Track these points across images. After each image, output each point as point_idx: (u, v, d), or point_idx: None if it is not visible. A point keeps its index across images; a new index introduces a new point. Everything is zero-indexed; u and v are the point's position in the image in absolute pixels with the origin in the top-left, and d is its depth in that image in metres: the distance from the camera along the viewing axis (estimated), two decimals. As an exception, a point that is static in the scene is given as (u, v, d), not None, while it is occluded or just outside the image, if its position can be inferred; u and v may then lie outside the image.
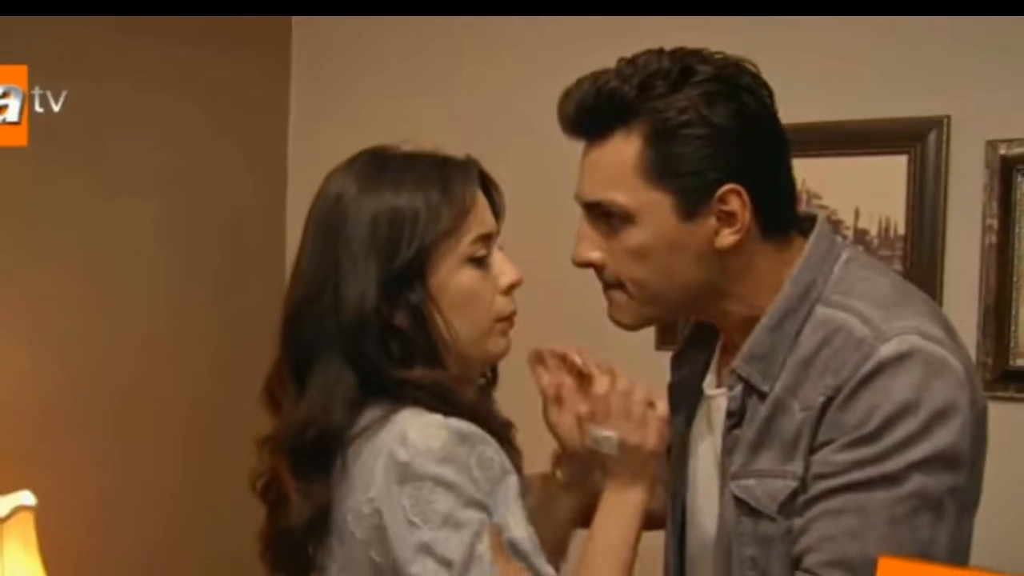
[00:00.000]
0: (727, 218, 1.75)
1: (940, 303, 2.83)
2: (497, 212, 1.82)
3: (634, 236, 1.77)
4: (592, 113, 1.77)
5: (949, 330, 1.76)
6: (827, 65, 3.07)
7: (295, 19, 3.95)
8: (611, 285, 1.85)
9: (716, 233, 1.76)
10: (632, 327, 1.89)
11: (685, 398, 2.00)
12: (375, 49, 3.82)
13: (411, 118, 3.51)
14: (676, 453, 2.00)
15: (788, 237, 1.83)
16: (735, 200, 1.74)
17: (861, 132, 3.02)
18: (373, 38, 3.82)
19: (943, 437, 1.65)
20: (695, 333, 2.04)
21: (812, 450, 1.72)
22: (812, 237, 1.82)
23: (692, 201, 1.74)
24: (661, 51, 1.78)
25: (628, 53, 1.80)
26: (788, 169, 1.83)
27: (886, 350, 1.67)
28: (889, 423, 1.64)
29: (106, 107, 3.25)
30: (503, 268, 1.79)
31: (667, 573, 2.06)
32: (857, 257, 1.87)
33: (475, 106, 3.59)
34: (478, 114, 3.55)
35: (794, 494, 1.73)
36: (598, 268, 1.84)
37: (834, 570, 1.65)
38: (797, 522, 1.72)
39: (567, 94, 1.79)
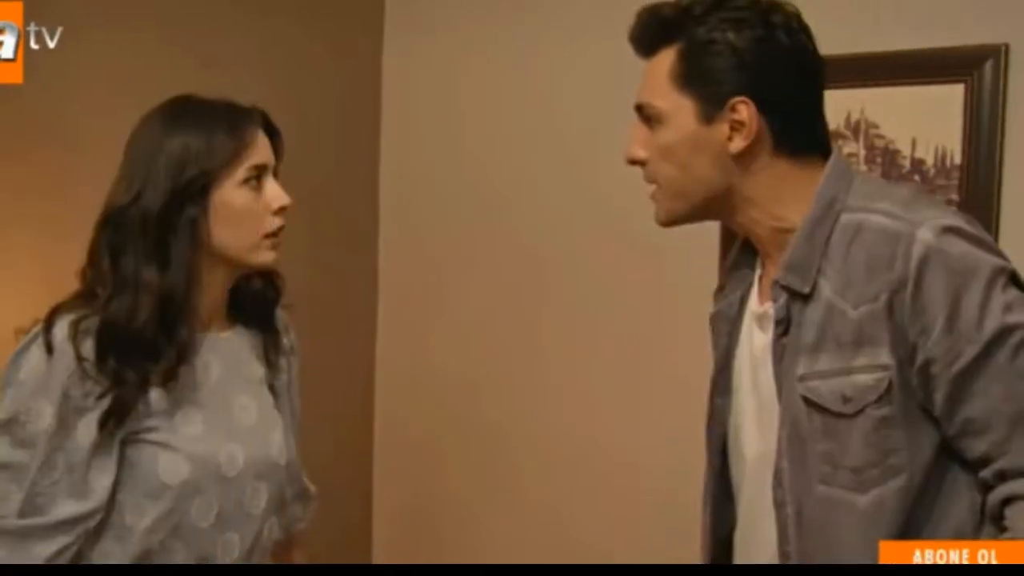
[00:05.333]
0: (738, 126, 1.88)
1: (996, 233, 2.72)
2: (278, 151, 2.12)
3: (664, 135, 1.92)
4: (646, 33, 1.94)
5: (971, 222, 1.83)
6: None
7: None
8: (651, 183, 1.96)
9: (729, 139, 1.89)
10: (665, 223, 1.98)
11: (725, 326, 2.05)
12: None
13: (498, 37, 3.40)
14: (719, 378, 2.04)
15: (809, 157, 1.92)
16: (744, 110, 1.87)
17: (918, 61, 2.85)
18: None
19: (1010, 290, 1.75)
20: (734, 270, 2.09)
21: (896, 344, 1.77)
22: (830, 162, 1.91)
23: (710, 107, 1.89)
24: None
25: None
26: (812, 96, 1.93)
27: (924, 234, 1.75)
28: (960, 295, 1.73)
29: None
30: (275, 193, 2.08)
31: (709, 497, 2.06)
32: (872, 177, 2.01)
33: (557, 30, 3.42)
34: (560, 37, 3.39)
35: (866, 389, 1.78)
36: (642, 166, 1.95)
37: None
38: (877, 411, 1.78)
39: (635, 20, 1.96)
